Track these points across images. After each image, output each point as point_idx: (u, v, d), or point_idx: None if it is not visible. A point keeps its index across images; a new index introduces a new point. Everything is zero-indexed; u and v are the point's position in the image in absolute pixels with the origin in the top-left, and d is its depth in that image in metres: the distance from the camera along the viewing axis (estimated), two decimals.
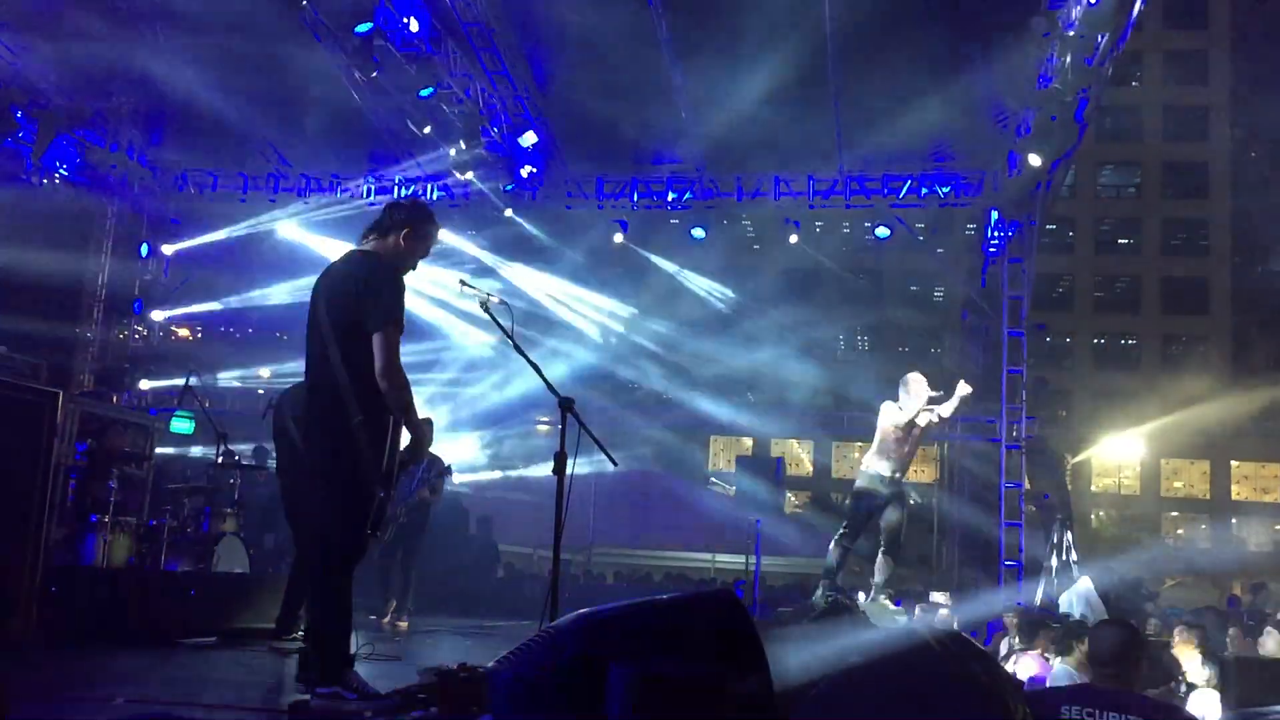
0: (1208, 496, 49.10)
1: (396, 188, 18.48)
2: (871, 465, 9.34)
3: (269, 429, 8.04)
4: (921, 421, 9.18)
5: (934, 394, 9.22)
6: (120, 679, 5.58)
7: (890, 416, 9.17)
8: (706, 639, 3.24)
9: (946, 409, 9.25)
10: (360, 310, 4.81)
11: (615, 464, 5.93)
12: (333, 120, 17.24)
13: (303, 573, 6.89)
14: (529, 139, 16.58)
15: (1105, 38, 12.85)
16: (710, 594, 3.79)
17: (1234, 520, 49.08)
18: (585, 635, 3.37)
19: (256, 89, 16.25)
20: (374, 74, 14.03)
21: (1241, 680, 6.91)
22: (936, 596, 12.64)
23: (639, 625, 3.43)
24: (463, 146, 16.47)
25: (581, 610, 3.52)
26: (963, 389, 9.20)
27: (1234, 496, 49.04)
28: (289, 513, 7.58)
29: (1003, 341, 17.53)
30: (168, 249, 19.24)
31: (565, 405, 5.59)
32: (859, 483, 9.47)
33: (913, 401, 9.14)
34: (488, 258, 19.79)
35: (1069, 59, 13.26)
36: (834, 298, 51.64)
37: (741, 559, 17.45)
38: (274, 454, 8.43)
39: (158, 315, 19.75)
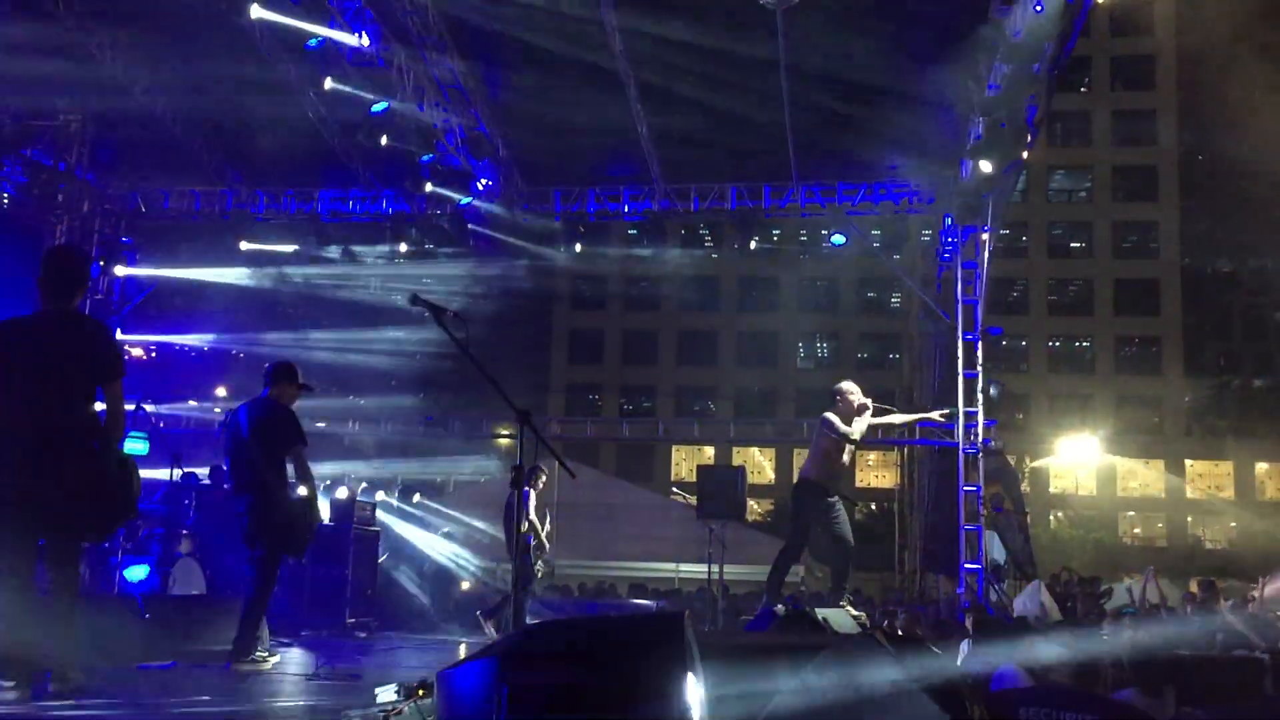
0: (1163, 495, 49.76)
1: (351, 201, 18.41)
2: (808, 476, 9.12)
3: (223, 447, 7.94)
4: (858, 435, 9.05)
5: (866, 401, 9.07)
6: (72, 707, 5.48)
7: (833, 432, 8.96)
8: (630, 657, 3.23)
9: (897, 417, 9.18)
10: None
11: (574, 476, 5.90)
12: (286, 136, 17.14)
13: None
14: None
15: (1052, 45, 13.04)
16: (654, 614, 3.81)
17: (1189, 518, 49.79)
18: (513, 648, 3.38)
19: (208, 106, 16.14)
20: (326, 88, 13.96)
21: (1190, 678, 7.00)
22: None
23: (566, 639, 3.45)
24: (418, 159, 16.45)
25: (528, 624, 3.55)
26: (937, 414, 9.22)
27: (1188, 495, 49.73)
28: (248, 532, 7.50)
29: (959, 346, 17.69)
30: (121, 271, 18.95)
31: (522, 417, 5.56)
32: (799, 496, 9.24)
33: (859, 420, 8.98)
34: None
35: (1017, 66, 13.43)
36: (792, 305, 52.03)
37: (704, 568, 17.46)
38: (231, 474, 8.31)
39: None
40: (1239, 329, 53.51)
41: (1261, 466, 49.49)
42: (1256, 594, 15.31)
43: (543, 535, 12.05)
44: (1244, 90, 46.41)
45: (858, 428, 9.00)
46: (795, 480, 9.42)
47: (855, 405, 9.03)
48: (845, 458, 9.15)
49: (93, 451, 5.42)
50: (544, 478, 12.16)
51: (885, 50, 14.34)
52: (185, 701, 5.79)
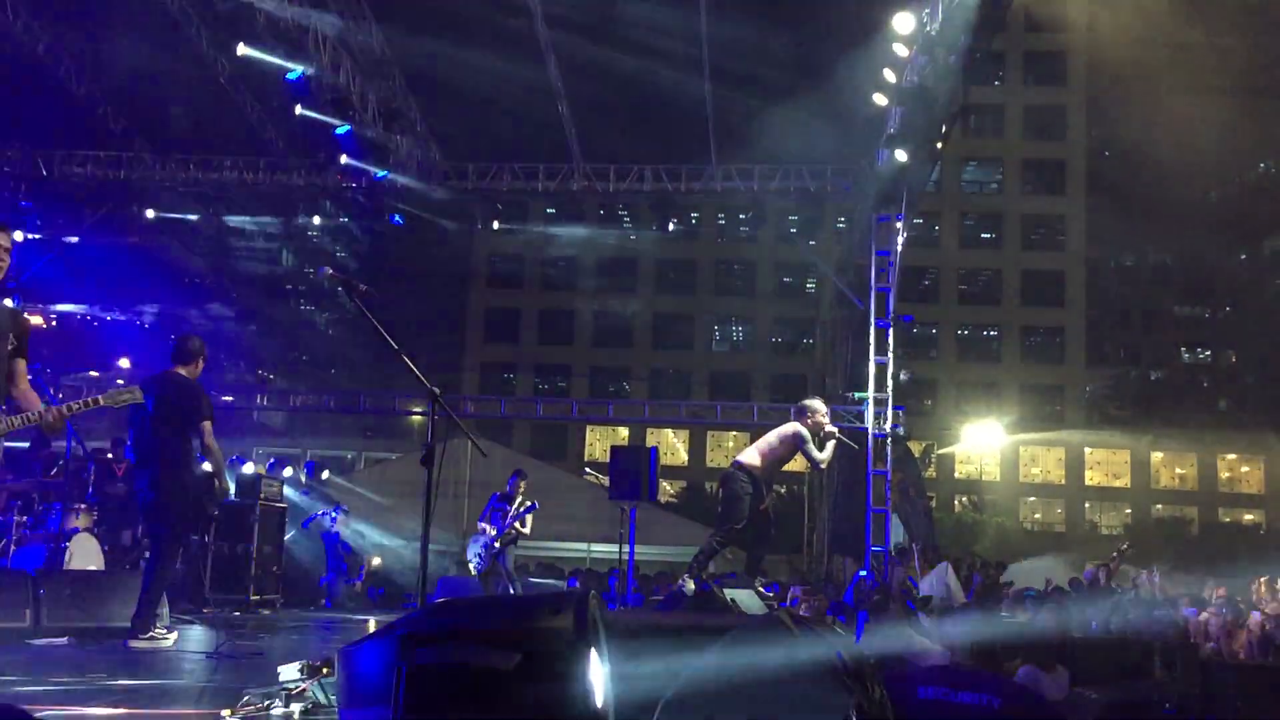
0: (1062, 482, 51.11)
1: (262, 171, 18.01)
2: (751, 466, 9.07)
3: (126, 421, 7.74)
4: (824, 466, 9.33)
5: (833, 429, 9.08)
6: None
7: (807, 455, 8.90)
8: (532, 636, 3.21)
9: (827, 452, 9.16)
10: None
11: (485, 455, 5.87)
12: (196, 102, 16.72)
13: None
14: None
15: (968, 38, 13.23)
16: (559, 592, 3.80)
17: (1086, 504, 51.27)
18: (412, 627, 3.35)
19: (113, 68, 15.67)
20: (238, 53, 13.63)
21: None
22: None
23: (467, 618, 3.43)
24: (333, 131, 16.12)
25: (437, 601, 3.51)
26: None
27: (1087, 482, 51.16)
28: (150, 508, 7.34)
29: (870, 332, 17.94)
30: (19, 235, 18.30)
31: (434, 396, 5.49)
32: (736, 479, 9.13)
33: (828, 448, 8.98)
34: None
35: (934, 57, 13.61)
36: (708, 288, 52.29)
37: (615, 548, 17.50)
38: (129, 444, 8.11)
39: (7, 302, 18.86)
40: (1139, 322, 55.16)
41: (1157, 456, 51.12)
42: (1147, 579, 15.85)
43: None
44: (1151, 89, 47.72)
45: (824, 457, 9.02)
46: (734, 465, 9.19)
47: (824, 429, 9.00)
48: (786, 464, 9.25)
49: None
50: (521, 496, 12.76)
51: (806, 37, 14.46)
52: (81, 679, 5.65)
